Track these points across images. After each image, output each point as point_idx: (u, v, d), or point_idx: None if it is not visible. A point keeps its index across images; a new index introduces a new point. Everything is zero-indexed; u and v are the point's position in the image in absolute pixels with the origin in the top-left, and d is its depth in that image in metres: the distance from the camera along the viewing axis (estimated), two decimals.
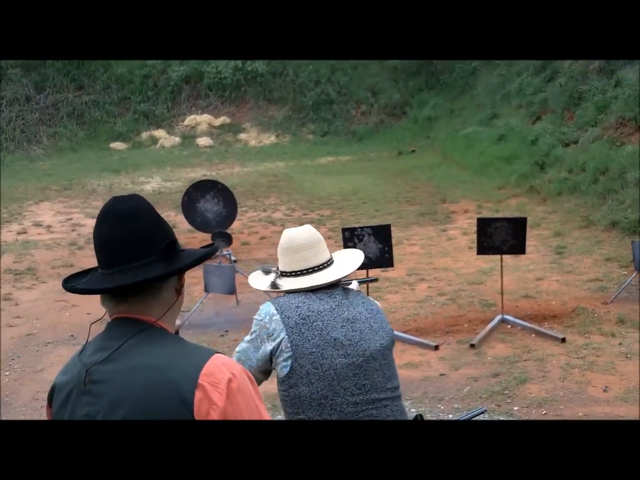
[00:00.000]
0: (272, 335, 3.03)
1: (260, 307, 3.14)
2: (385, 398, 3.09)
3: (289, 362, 2.98)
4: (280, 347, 3.00)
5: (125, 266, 2.06)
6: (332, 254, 3.30)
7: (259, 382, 3.06)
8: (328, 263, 3.21)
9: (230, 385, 1.98)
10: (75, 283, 2.15)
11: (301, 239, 3.19)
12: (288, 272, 3.19)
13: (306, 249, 3.16)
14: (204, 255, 2.21)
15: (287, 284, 3.16)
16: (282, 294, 3.19)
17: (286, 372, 3.01)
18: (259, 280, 3.31)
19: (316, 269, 3.16)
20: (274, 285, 3.18)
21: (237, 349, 3.20)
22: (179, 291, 2.19)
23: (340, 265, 3.25)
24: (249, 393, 2.03)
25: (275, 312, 3.04)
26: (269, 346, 3.03)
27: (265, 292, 3.30)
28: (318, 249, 3.20)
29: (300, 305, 3.05)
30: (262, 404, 2.09)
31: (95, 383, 2.02)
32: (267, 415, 2.09)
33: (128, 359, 2.01)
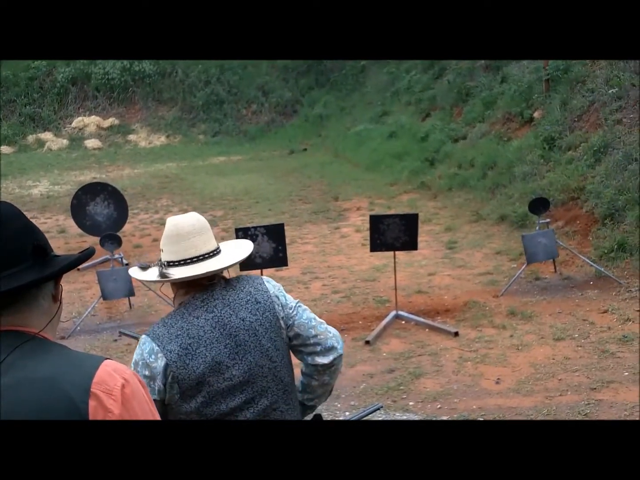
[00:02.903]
0: (158, 371, 2.82)
1: (141, 347, 2.90)
2: (276, 401, 2.98)
3: (176, 397, 2.84)
4: (166, 382, 2.82)
5: None
6: (220, 244, 3.13)
7: None
8: (217, 251, 3.04)
9: (125, 391, 1.91)
10: None
11: (189, 225, 2.99)
12: (176, 262, 2.97)
13: (195, 236, 2.97)
14: (78, 259, 2.11)
15: (178, 272, 2.94)
16: (160, 323, 2.94)
17: (174, 402, 2.84)
18: (144, 274, 3.09)
19: (206, 256, 2.98)
20: (163, 275, 2.95)
21: None
22: (56, 298, 2.09)
23: (230, 253, 3.10)
24: (142, 397, 1.98)
25: (157, 347, 2.85)
26: (160, 383, 2.83)
27: (153, 282, 3.09)
28: (206, 236, 3.02)
29: (179, 333, 2.87)
30: (154, 406, 2.04)
31: None
32: (159, 418, 2.06)
33: (13, 374, 1.89)
